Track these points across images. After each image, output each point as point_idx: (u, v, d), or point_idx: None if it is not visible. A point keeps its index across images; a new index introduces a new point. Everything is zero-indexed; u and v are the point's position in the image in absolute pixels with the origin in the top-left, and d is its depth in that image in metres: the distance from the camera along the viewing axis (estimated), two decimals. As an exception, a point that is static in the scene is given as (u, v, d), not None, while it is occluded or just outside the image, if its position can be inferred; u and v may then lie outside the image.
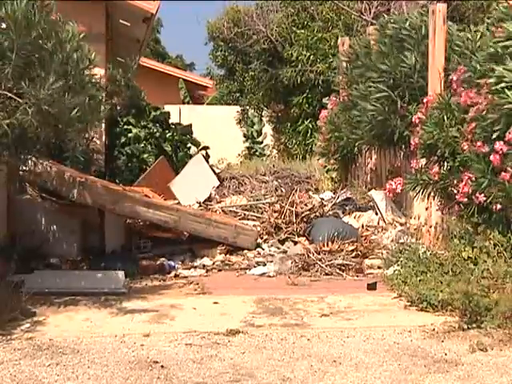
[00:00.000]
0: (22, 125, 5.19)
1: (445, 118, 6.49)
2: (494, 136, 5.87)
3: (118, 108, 10.61)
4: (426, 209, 7.46)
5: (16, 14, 5.12)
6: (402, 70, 7.81)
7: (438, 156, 6.65)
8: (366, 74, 8.59)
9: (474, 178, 6.02)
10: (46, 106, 5.19)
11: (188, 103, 23.32)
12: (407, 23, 8.13)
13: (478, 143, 6.00)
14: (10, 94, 5.18)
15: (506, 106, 5.74)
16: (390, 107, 7.96)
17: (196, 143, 12.34)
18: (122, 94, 6.69)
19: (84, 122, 5.85)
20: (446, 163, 6.60)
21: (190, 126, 12.37)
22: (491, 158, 5.83)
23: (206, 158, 11.49)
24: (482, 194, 5.94)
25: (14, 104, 5.22)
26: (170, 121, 11.91)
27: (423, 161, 6.92)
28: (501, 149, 5.77)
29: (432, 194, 6.82)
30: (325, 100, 13.82)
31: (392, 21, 8.45)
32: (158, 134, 11.15)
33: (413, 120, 6.99)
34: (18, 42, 5.15)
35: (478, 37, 7.13)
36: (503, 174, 5.76)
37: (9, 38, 5.16)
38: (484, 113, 6.00)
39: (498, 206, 5.88)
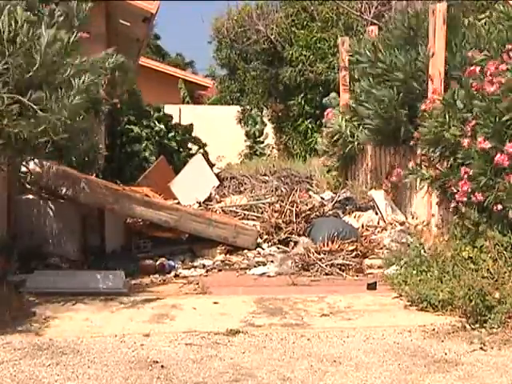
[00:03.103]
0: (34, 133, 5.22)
1: (446, 116, 6.50)
2: (506, 118, 5.84)
3: (118, 106, 10.63)
4: (433, 215, 7.43)
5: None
6: (413, 62, 7.78)
7: (439, 154, 6.66)
8: (369, 71, 8.56)
9: (472, 176, 6.02)
10: (67, 119, 5.23)
11: (188, 103, 23.34)
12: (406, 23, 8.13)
13: (479, 139, 5.99)
14: (34, 106, 5.17)
15: None
16: (399, 97, 7.94)
17: (198, 142, 12.33)
18: (121, 95, 6.72)
19: (86, 124, 5.89)
20: (446, 162, 6.60)
21: (191, 125, 12.40)
22: (496, 157, 5.81)
23: (205, 155, 11.51)
24: (480, 194, 5.94)
25: (18, 110, 5.21)
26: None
27: (424, 157, 6.93)
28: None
29: (432, 190, 6.84)
30: (325, 100, 13.81)
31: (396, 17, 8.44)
32: (162, 133, 11.17)
33: (420, 109, 7.00)
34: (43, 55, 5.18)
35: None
36: (507, 177, 5.75)
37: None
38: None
39: (499, 207, 5.88)
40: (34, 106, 5.15)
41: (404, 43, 8.08)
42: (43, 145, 5.63)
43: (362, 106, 8.59)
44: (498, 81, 5.96)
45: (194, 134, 12.37)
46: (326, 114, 10.67)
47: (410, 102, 7.85)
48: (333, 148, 10.31)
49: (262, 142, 19.25)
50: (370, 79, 8.49)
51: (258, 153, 18.68)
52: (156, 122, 11.40)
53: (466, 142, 6.16)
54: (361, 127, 8.97)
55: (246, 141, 19.16)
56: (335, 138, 9.81)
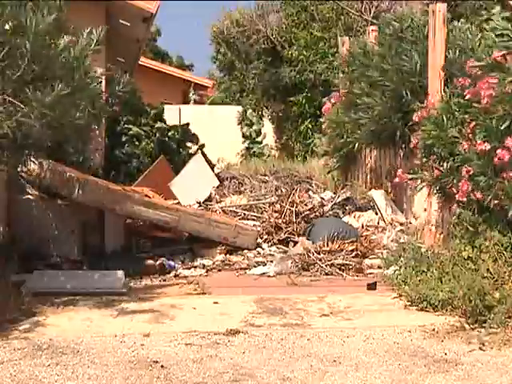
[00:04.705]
0: (24, 127, 5.20)
1: (444, 118, 6.50)
2: (503, 127, 5.83)
3: (117, 107, 10.61)
4: (425, 210, 7.46)
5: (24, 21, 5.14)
6: (403, 68, 7.81)
7: (438, 156, 6.65)
8: (366, 74, 8.58)
9: (473, 175, 6.01)
10: (50, 111, 5.19)
11: (188, 103, 23.36)
12: (408, 21, 8.11)
13: (478, 141, 5.99)
14: (13, 100, 5.17)
15: None
16: (392, 104, 7.96)
17: (196, 140, 12.30)
18: (121, 96, 6.74)
19: (86, 123, 5.88)
20: (445, 163, 6.60)
21: (188, 124, 12.39)
22: (497, 152, 5.77)
23: (205, 155, 11.50)
24: (480, 193, 5.93)
25: (18, 109, 5.22)
26: (170, 121, 11.97)
27: (423, 160, 6.93)
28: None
29: (432, 191, 6.84)
30: (325, 100, 13.80)
31: (394, 19, 8.41)
32: (163, 130, 11.17)
33: (413, 119, 7.00)
34: (30, 50, 5.16)
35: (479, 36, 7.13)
36: (507, 174, 5.73)
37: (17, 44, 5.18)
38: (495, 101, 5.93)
39: (495, 202, 5.87)
40: (13, 100, 5.15)
41: (396, 47, 8.07)
42: (40, 142, 5.63)
43: (359, 110, 8.59)
44: (489, 94, 5.96)
45: (192, 132, 12.35)
46: (324, 109, 10.65)
47: (403, 107, 7.86)
48: (333, 148, 10.31)
49: (261, 143, 19.24)
50: (364, 83, 8.50)
51: (256, 153, 18.65)
52: (153, 121, 11.40)
53: (465, 144, 6.16)
54: (358, 130, 8.95)
55: (243, 142, 19.14)
56: (336, 133, 9.79)
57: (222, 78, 19.17)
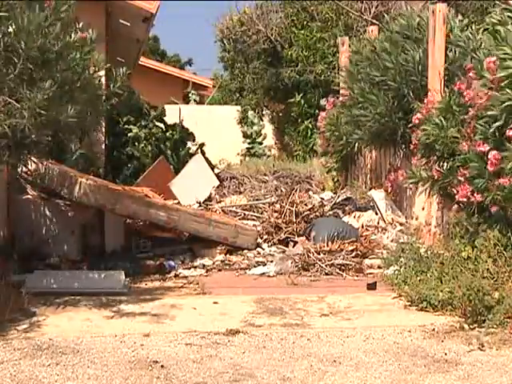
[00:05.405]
0: (19, 127, 5.19)
1: (444, 118, 6.50)
2: (492, 130, 5.85)
3: (118, 108, 10.61)
4: (423, 209, 7.47)
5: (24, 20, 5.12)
6: (405, 67, 7.80)
7: (438, 156, 6.66)
8: (368, 73, 8.57)
9: (470, 178, 6.01)
10: (41, 109, 5.17)
11: (188, 103, 23.36)
12: (416, 21, 8.11)
13: (477, 142, 5.99)
14: (8, 99, 5.17)
15: (507, 103, 5.72)
16: (394, 103, 7.97)
17: (193, 138, 12.28)
18: (121, 95, 6.73)
19: (84, 124, 5.88)
20: (445, 163, 6.60)
21: (181, 121, 12.37)
22: (489, 163, 5.80)
23: (204, 155, 11.50)
24: (479, 195, 5.93)
25: (15, 107, 5.22)
26: (170, 120, 11.95)
27: (423, 160, 6.93)
28: (495, 158, 5.75)
29: (432, 192, 6.84)
30: (323, 101, 13.84)
31: (402, 17, 8.39)
32: (159, 135, 11.17)
33: (413, 119, 7.00)
34: (24, 49, 5.15)
35: (479, 37, 7.13)
36: (502, 180, 5.74)
37: (15, 44, 5.17)
38: (484, 110, 5.96)
39: (495, 208, 5.87)
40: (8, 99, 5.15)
41: (398, 47, 8.07)
42: (38, 140, 5.63)
43: (360, 109, 8.59)
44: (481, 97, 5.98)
45: (185, 128, 12.33)
46: (320, 118, 10.63)
47: (405, 106, 7.86)
48: (332, 149, 10.30)
49: (261, 143, 19.24)
50: (367, 82, 8.49)
51: (257, 154, 18.65)
52: (152, 124, 11.40)
53: (464, 144, 6.16)
54: (358, 130, 8.95)
55: (243, 142, 19.15)
56: (334, 137, 9.79)
57: (222, 78, 19.14)
